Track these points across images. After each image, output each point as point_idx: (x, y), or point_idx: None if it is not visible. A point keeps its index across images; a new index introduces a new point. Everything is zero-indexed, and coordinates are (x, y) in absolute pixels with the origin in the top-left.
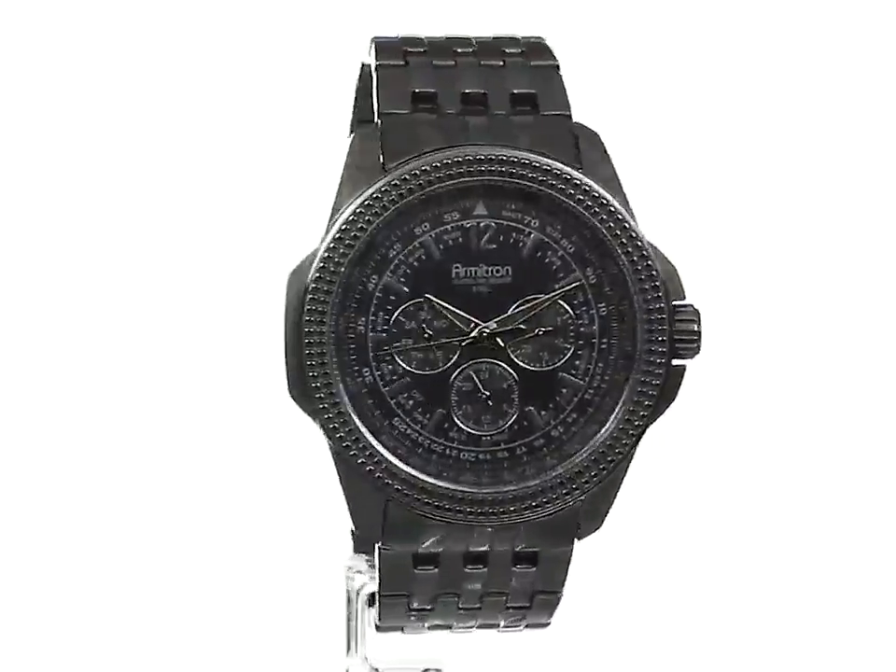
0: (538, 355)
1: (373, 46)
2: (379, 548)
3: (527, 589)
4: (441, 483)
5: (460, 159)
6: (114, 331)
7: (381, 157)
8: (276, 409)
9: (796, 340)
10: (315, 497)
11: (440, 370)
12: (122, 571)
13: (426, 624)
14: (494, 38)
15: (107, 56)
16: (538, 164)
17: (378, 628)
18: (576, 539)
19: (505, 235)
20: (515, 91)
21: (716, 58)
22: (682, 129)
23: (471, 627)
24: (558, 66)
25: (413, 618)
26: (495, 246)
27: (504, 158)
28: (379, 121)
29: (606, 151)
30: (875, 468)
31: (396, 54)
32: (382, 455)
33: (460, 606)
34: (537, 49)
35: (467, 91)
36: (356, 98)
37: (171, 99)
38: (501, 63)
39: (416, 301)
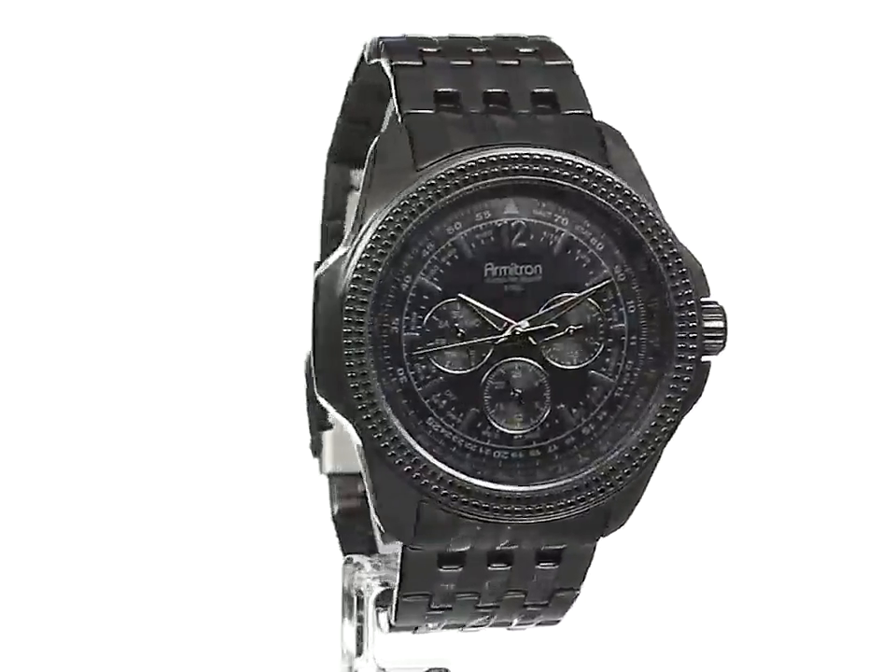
0: (568, 353)
1: (383, 45)
2: (406, 548)
3: (547, 587)
4: (477, 482)
5: (494, 158)
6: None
7: (412, 157)
8: (270, 413)
9: (811, 337)
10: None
11: (472, 369)
12: (123, 571)
13: (441, 624)
14: (501, 37)
15: (98, 48)
16: (570, 163)
17: (392, 628)
18: (601, 536)
19: (535, 234)
20: (535, 91)
21: (711, 55)
22: (684, 124)
23: (484, 626)
24: (572, 65)
25: (429, 618)
26: (525, 245)
27: (538, 157)
28: (403, 122)
29: (630, 149)
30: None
31: (411, 54)
32: (420, 454)
33: (478, 605)
34: (549, 49)
35: (488, 90)
36: (347, 95)
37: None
38: (517, 63)
39: (449, 300)
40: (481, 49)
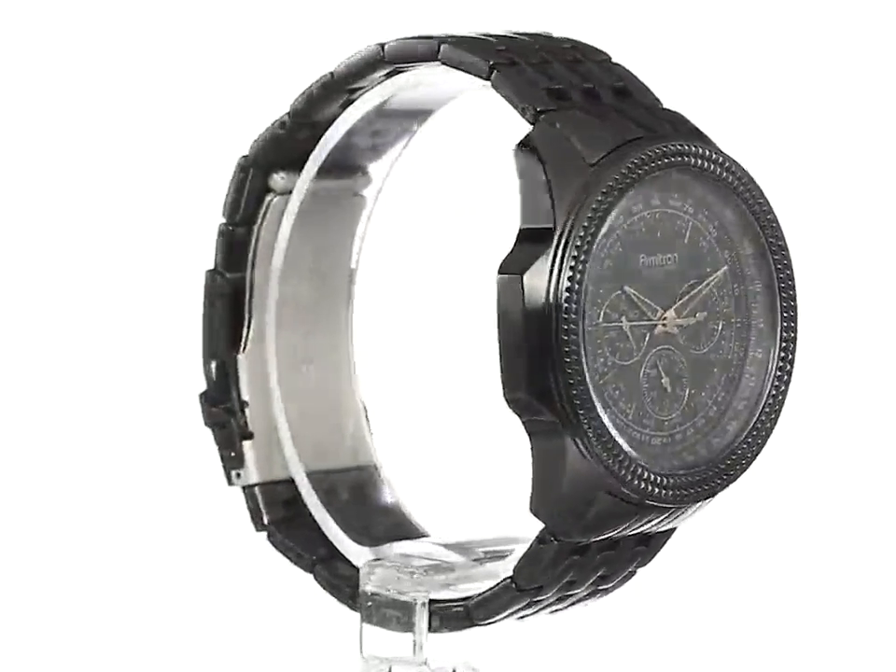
0: (697, 338)
1: (440, 44)
2: (546, 540)
3: (626, 568)
4: (653, 468)
5: (659, 152)
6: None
7: (580, 155)
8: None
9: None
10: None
11: (634, 359)
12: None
13: (519, 615)
14: (530, 34)
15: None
16: (708, 153)
17: (474, 626)
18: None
19: (672, 223)
20: (615, 86)
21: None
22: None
23: (546, 612)
24: (611, 58)
25: (520, 611)
26: (665, 235)
27: (685, 149)
28: (544, 120)
29: (706, 134)
30: None
31: (493, 53)
32: (620, 447)
33: (568, 592)
34: (583, 45)
35: (584, 86)
36: (311, 97)
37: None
38: (574, 59)
39: (617, 292)
40: (536, 46)
